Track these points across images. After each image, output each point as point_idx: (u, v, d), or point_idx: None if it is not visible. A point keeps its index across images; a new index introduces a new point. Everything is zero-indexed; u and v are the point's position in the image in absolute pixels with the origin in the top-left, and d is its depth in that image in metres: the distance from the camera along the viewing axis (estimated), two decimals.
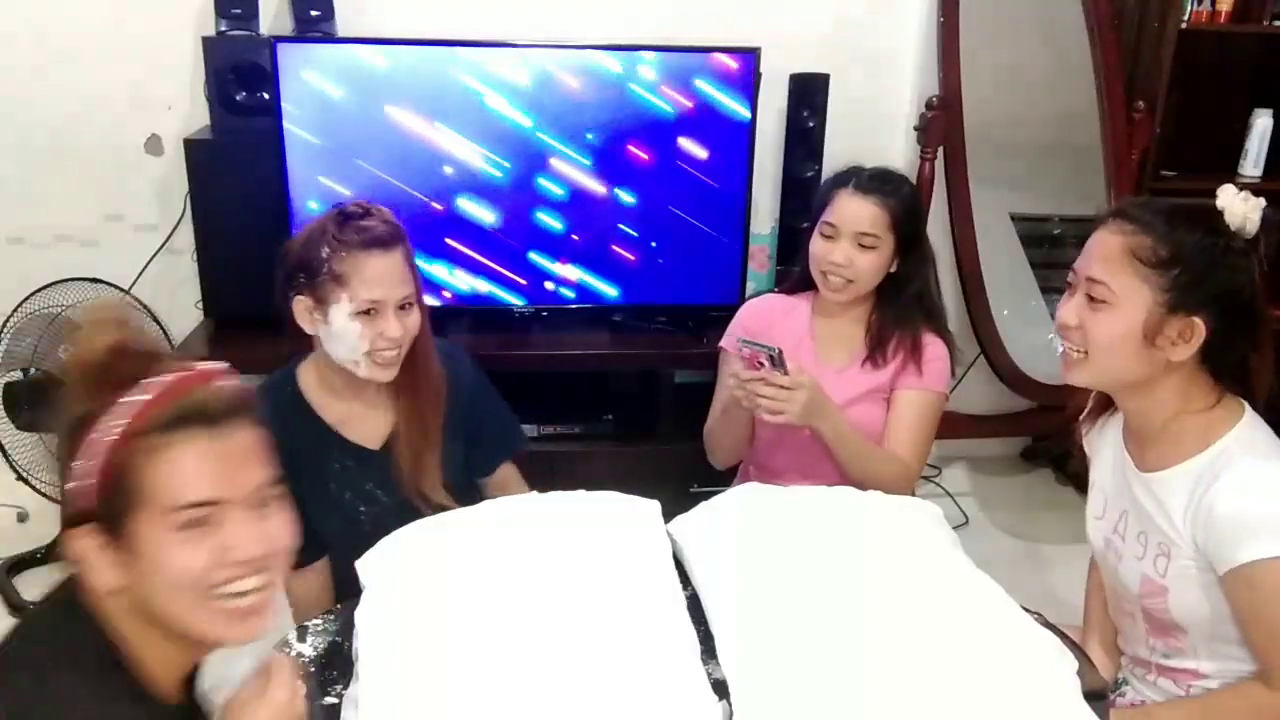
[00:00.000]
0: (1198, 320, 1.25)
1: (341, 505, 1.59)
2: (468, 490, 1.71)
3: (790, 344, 1.90)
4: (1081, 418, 1.57)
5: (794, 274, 1.98)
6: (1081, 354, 1.33)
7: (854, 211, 1.79)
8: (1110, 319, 1.28)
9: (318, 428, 1.59)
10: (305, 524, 1.52)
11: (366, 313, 1.49)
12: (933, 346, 1.86)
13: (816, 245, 1.83)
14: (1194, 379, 1.31)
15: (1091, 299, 1.30)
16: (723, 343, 1.97)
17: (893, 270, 1.84)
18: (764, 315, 1.95)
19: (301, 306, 1.53)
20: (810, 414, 1.68)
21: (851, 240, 1.79)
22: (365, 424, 1.62)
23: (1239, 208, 1.25)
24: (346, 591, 1.38)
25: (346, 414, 1.61)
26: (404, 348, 1.55)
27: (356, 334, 1.49)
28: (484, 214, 2.63)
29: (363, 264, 1.48)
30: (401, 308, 1.53)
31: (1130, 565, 1.40)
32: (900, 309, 1.86)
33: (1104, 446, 1.50)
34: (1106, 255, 1.29)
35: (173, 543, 0.88)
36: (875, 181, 1.81)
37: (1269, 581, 1.23)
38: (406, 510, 1.56)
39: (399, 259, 1.52)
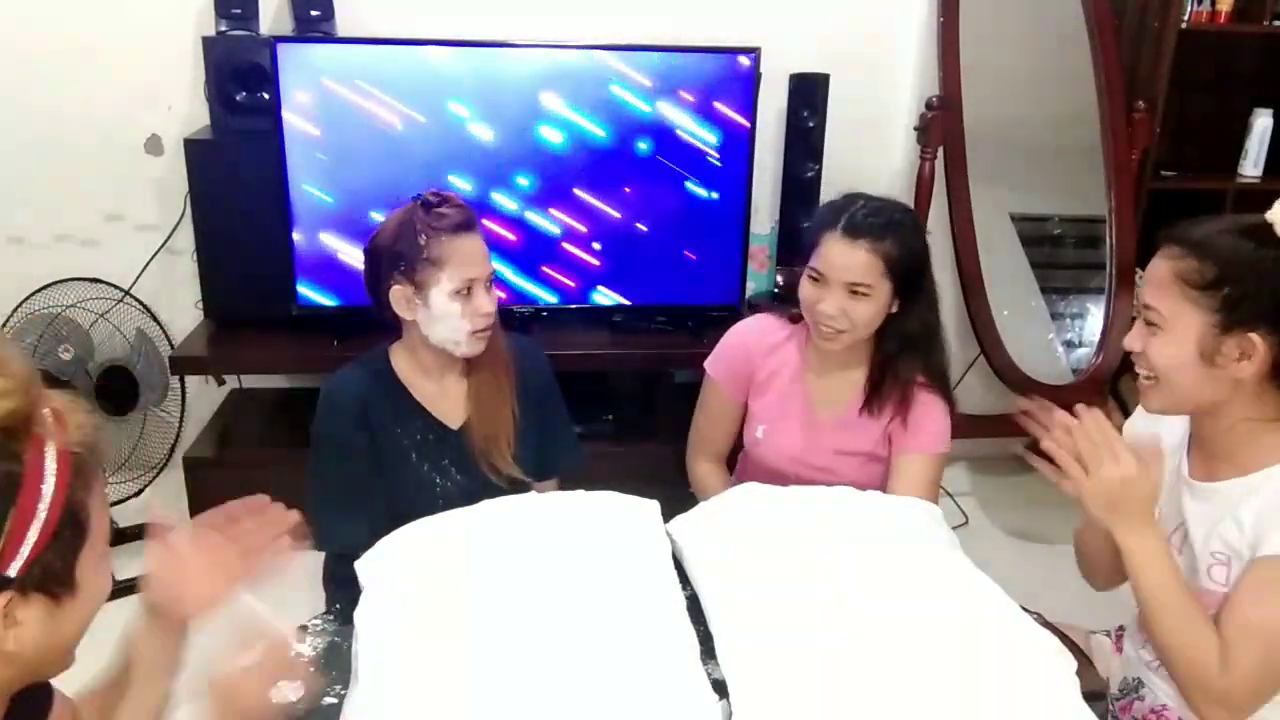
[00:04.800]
0: (1255, 337, 1.22)
1: (420, 475, 1.69)
2: (537, 473, 1.78)
3: (778, 389, 1.82)
4: (1126, 427, 1.56)
5: (796, 276, 1.85)
6: (1152, 380, 1.32)
7: (843, 261, 1.63)
8: (1165, 344, 1.28)
9: (407, 401, 1.69)
10: (388, 492, 1.63)
11: (464, 291, 1.59)
12: (930, 405, 1.74)
13: (806, 290, 1.69)
14: (1267, 396, 1.28)
15: (1149, 324, 1.30)
16: (707, 366, 1.89)
17: (893, 311, 1.70)
18: (752, 347, 1.85)
19: (400, 295, 1.61)
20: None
21: (842, 290, 1.64)
22: (448, 404, 1.71)
23: None
24: None
25: (432, 393, 1.71)
26: (494, 322, 1.66)
27: (457, 313, 1.59)
28: (484, 214, 2.63)
29: (457, 246, 1.58)
30: (489, 284, 1.63)
31: (1187, 578, 1.37)
32: (898, 352, 1.73)
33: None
34: (1158, 281, 1.28)
35: (102, 567, 0.89)
36: (868, 221, 1.63)
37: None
38: (477, 487, 1.66)
39: (480, 239, 1.63)
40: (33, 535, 0.78)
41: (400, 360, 1.71)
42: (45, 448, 0.79)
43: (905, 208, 1.73)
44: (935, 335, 1.76)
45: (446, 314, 1.59)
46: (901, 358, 1.73)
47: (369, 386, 1.67)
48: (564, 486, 1.80)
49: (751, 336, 1.86)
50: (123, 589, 2.62)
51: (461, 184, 2.60)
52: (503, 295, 2.40)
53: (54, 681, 1.05)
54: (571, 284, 2.74)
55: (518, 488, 1.68)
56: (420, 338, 1.65)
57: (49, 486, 0.79)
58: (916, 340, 1.73)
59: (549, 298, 2.74)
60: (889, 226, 1.64)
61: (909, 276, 1.67)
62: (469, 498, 1.57)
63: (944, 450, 1.77)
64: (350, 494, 1.64)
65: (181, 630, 1.07)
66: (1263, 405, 1.28)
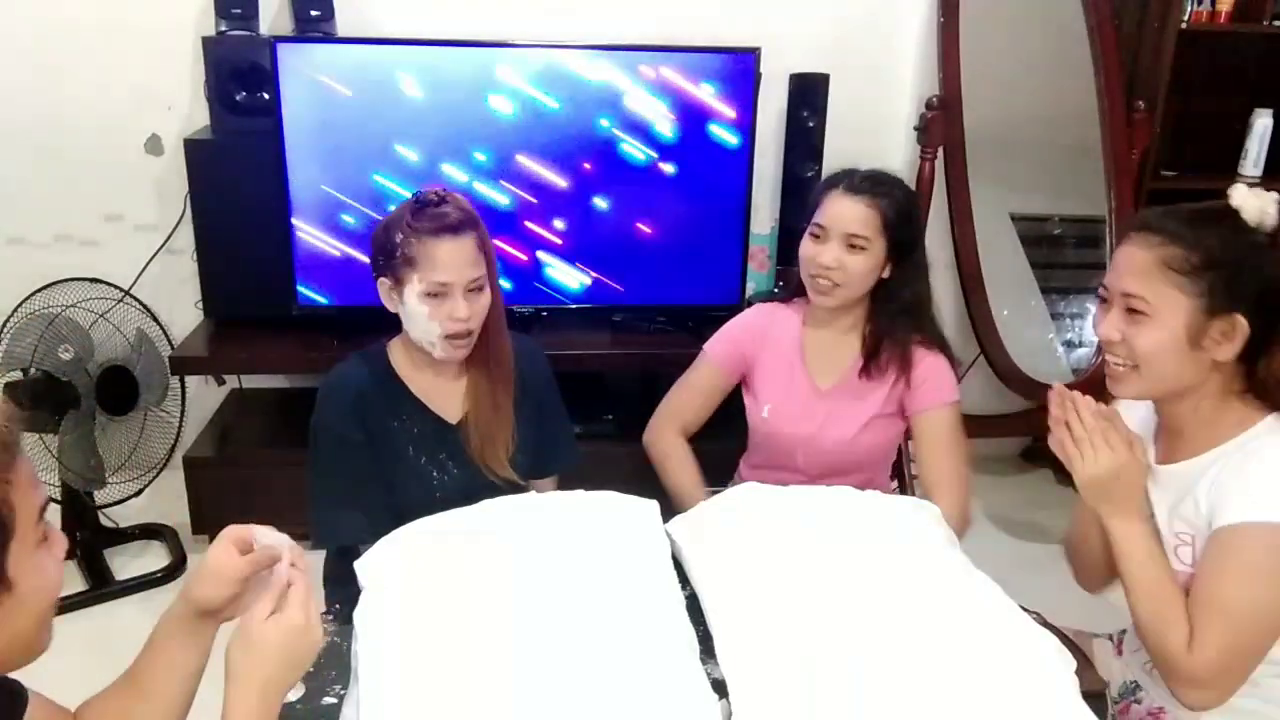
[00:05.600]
0: (1239, 317, 1.26)
1: (418, 470, 1.69)
2: (533, 473, 1.80)
3: (778, 367, 1.87)
4: None
5: (793, 275, 1.93)
6: (1129, 367, 1.33)
7: (844, 211, 1.74)
8: (1153, 330, 1.29)
9: (404, 395, 1.69)
10: (386, 487, 1.64)
11: (435, 294, 1.58)
12: (930, 360, 1.81)
13: (805, 247, 1.79)
14: (1235, 372, 1.32)
15: (1131, 311, 1.31)
16: (707, 346, 1.94)
17: (885, 276, 1.79)
18: (756, 330, 1.91)
19: (384, 287, 1.64)
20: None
21: (841, 241, 1.74)
22: (446, 398, 1.71)
23: (1253, 204, 1.27)
24: None
25: (430, 387, 1.71)
26: (475, 329, 1.64)
27: (425, 315, 1.59)
28: (484, 214, 2.63)
29: (432, 248, 1.57)
30: (470, 290, 1.60)
31: None
32: (892, 318, 1.80)
33: None
34: (1139, 269, 1.30)
35: (41, 558, 0.89)
36: (868, 182, 1.76)
37: (1242, 545, 1.23)
38: (475, 482, 1.67)
39: (468, 244, 1.59)
40: None
41: (398, 354, 1.71)
42: None
43: (904, 183, 1.83)
44: (926, 305, 1.84)
45: (416, 314, 1.59)
46: (896, 323, 1.81)
47: (367, 380, 1.67)
48: (563, 486, 1.80)
49: (756, 321, 1.93)
50: (125, 588, 2.63)
51: (462, 179, 2.60)
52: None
53: (74, 680, 1.06)
54: (571, 284, 2.75)
55: (515, 487, 1.68)
56: (407, 332, 1.67)
57: None
58: (909, 308, 1.81)
59: (549, 298, 2.75)
60: (888, 192, 1.77)
61: (902, 238, 1.77)
62: (466, 493, 1.57)
63: (955, 399, 1.82)
64: (350, 490, 1.64)
65: (215, 631, 1.08)
66: (1230, 380, 1.32)
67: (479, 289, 1.62)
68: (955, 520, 1.73)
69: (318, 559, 1.80)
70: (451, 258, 1.57)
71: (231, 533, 1.07)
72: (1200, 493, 1.31)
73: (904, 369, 1.81)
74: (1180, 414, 1.36)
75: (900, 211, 1.76)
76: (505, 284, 2.70)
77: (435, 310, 1.58)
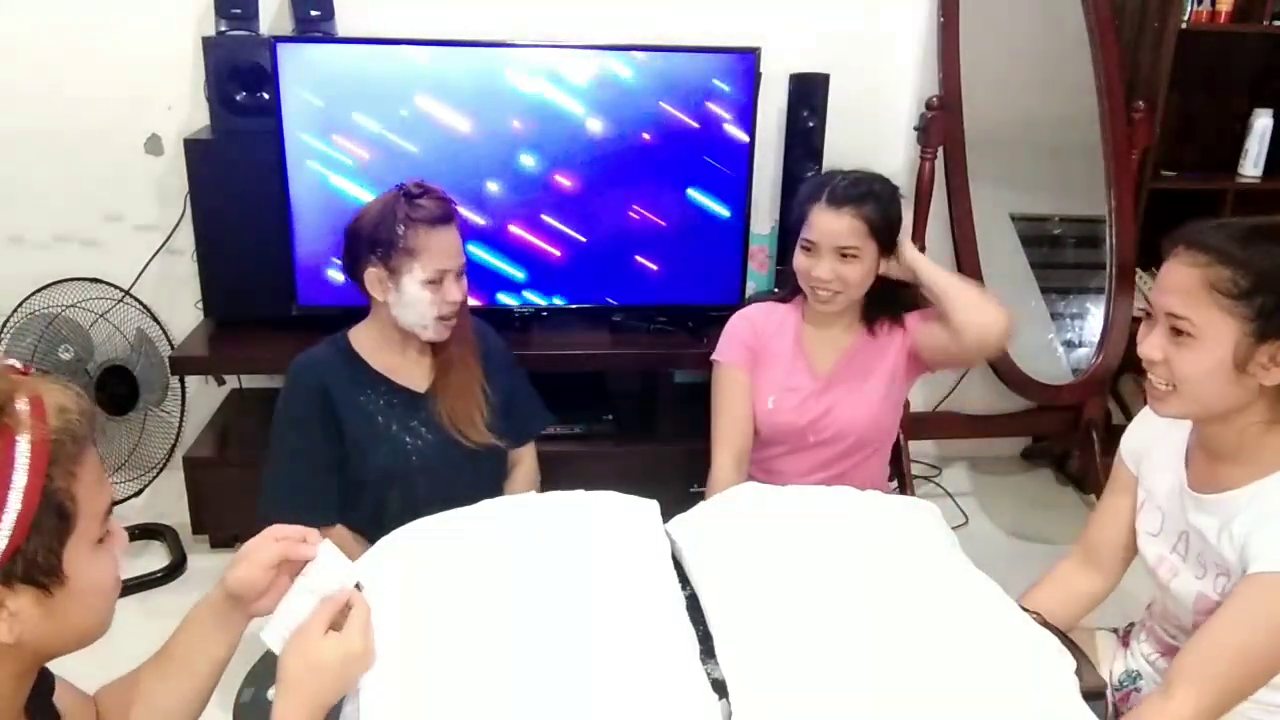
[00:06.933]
0: None
1: (390, 437, 1.76)
2: (504, 437, 1.87)
3: (783, 362, 1.92)
4: (1125, 435, 1.55)
5: (793, 276, 1.97)
6: (1170, 388, 1.28)
7: (830, 227, 1.79)
8: (1197, 354, 1.23)
9: (368, 373, 1.78)
10: (359, 461, 1.71)
11: (435, 280, 1.68)
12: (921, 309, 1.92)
13: (799, 260, 1.85)
14: (1279, 399, 1.27)
15: (1176, 332, 1.25)
16: (717, 356, 1.96)
17: (882, 272, 1.86)
18: (756, 324, 1.95)
19: (375, 278, 1.71)
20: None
21: (833, 254, 1.79)
22: (412, 372, 1.81)
23: None
24: (390, 525, 1.37)
25: (395, 365, 1.80)
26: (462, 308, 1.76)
27: (427, 301, 1.69)
28: (483, 214, 2.63)
29: (432, 238, 1.67)
30: (458, 275, 1.72)
31: (1186, 583, 1.38)
32: (889, 300, 1.89)
33: (1159, 464, 1.45)
34: (1185, 289, 1.23)
35: (100, 553, 0.89)
36: (849, 190, 1.79)
37: (1266, 598, 1.20)
38: (449, 447, 1.77)
39: (456, 232, 1.72)
40: (5, 528, 0.78)
41: (361, 337, 1.79)
42: (16, 439, 0.78)
43: (882, 178, 1.86)
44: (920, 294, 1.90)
45: (416, 300, 1.68)
46: (895, 300, 1.90)
47: (328, 364, 1.75)
48: (564, 486, 1.80)
49: (753, 314, 1.98)
50: (125, 588, 2.63)
51: (454, 176, 2.60)
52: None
53: (76, 679, 1.07)
54: (571, 284, 2.74)
55: (491, 450, 1.80)
56: (390, 318, 1.73)
57: (20, 478, 0.78)
58: (905, 300, 1.89)
59: (549, 298, 2.74)
60: (868, 194, 1.80)
61: (892, 237, 1.83)
62: (443, 456, 1.76)
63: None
64: (310, 475, 1.71)
65: (244, 623, 1.11)
66: (1276, 408, 1.27)
67: (463, 272, 1.73)
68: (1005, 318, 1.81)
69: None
70: (447, 246, 1.69)
71: (276, 529, 1.10)
72: (1236, 528, 1.28)
73: (897, 324, 1.91)
74: (1223, 437, 1.31)
75: (885, 213, 1.81)
76: (512, 299, 2.70)
77: (434, 295, 1.68)
